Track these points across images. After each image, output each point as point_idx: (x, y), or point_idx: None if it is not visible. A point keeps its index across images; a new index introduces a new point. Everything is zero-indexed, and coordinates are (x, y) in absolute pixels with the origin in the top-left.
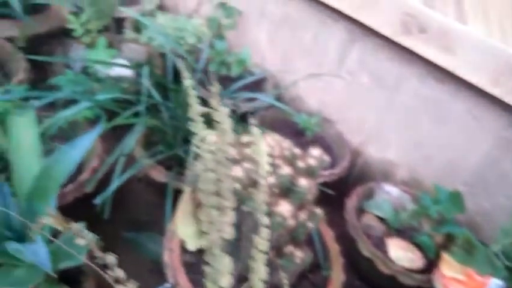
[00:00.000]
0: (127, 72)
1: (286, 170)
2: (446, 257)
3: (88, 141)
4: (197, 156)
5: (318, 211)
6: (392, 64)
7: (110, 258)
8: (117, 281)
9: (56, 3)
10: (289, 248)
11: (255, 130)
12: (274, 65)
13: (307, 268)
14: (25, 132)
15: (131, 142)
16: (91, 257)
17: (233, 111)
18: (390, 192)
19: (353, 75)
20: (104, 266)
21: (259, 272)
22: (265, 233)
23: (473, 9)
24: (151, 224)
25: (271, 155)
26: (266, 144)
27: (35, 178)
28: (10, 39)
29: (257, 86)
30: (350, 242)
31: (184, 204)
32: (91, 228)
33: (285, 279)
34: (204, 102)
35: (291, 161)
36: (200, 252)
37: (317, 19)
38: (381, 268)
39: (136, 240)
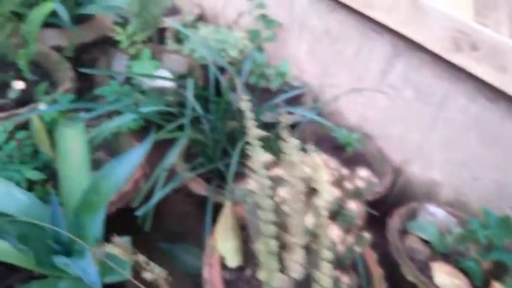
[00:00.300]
0: (169, 84)
1: (334, 192)
2: (497, 286)
3: (136, 157)
4: (247, 175)
5: (366, 235)
6: (439, 81)
7: (160, 275)
8: None
9: (101, 13)
10: (335, 273)
11: (313, 154)
12: (313, 78)
13: None
14: (74, 144)
15: (174, 155)
16: (135, 271)
17: (273, 125)
18: (435, 214)
19: (396, 90)
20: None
21: None
22: (327, 268)
23: None
24: (187, 236)
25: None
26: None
27: (83, 192)
28: (57, 48)
29: (296, 99)
30: (393, 265)
31: (225, 219)
32: (129, 238)
33: None
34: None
35: (338, 182)
36: (240, 269)
37: (360, 32)
38: None
39: (171, 251)
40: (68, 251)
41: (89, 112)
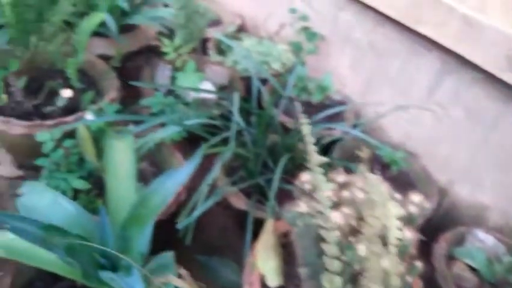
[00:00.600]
0: (211, 95)
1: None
2: None
3: (185, 173)
4: (295, 196)
5: (418, 264)
6: (492, 100)
7: None
8: None
9: (146, 24)
10: None
11: (381, 186)
12: (355, 92)
13: None
14: (122, 156)
15: (218, 170)
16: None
17: (317, 141)
18: (484, 240)
19: (444, 109)
20: None
21: None
22: None
23: None
24: (224, 249)
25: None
26: (362, 187)
27: (131, 206)
28: (103, 57)
29: (337, 113)
30: None
31: (266, 237)
32: (168, 249)
33: None
34: (286, 130)
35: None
36: None
37: (407, 47)
38: None
39: (208, 264)
40: (115, 265)
41: (137, 124)
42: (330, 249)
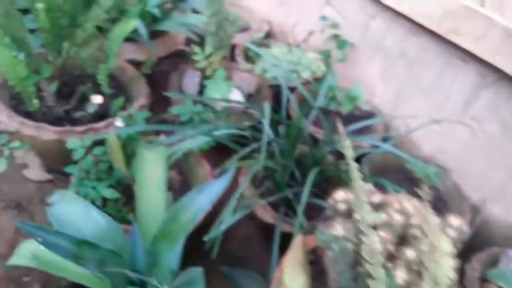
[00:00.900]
0: (239, 104)
1: (426, 244)
2: None
3: (217, 189)
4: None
5: None
6: None
7: None
8: None
9: (176, 30)
10: None
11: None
12: (385, 102)
13: None
14: (153, 167)
15: (247, 181)
16: None
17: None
18: None
19: (480, 123)
20: None
21: None
22: None
23: None
24: (248, 260)
25: (409, 225)
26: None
27: (162, 222)
28: (132, 62)
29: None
30: None
31: (294, 253)
32: (193, 259)
33: None
34: (315, 141)
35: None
36: None
37: (443, 58)
38: None
39: (231, 275)
40: (144, 281)
41: (168, 134)
42: (376, 285)
